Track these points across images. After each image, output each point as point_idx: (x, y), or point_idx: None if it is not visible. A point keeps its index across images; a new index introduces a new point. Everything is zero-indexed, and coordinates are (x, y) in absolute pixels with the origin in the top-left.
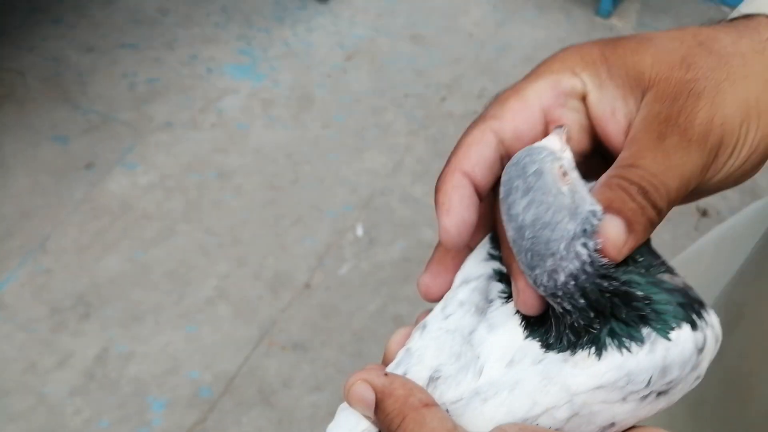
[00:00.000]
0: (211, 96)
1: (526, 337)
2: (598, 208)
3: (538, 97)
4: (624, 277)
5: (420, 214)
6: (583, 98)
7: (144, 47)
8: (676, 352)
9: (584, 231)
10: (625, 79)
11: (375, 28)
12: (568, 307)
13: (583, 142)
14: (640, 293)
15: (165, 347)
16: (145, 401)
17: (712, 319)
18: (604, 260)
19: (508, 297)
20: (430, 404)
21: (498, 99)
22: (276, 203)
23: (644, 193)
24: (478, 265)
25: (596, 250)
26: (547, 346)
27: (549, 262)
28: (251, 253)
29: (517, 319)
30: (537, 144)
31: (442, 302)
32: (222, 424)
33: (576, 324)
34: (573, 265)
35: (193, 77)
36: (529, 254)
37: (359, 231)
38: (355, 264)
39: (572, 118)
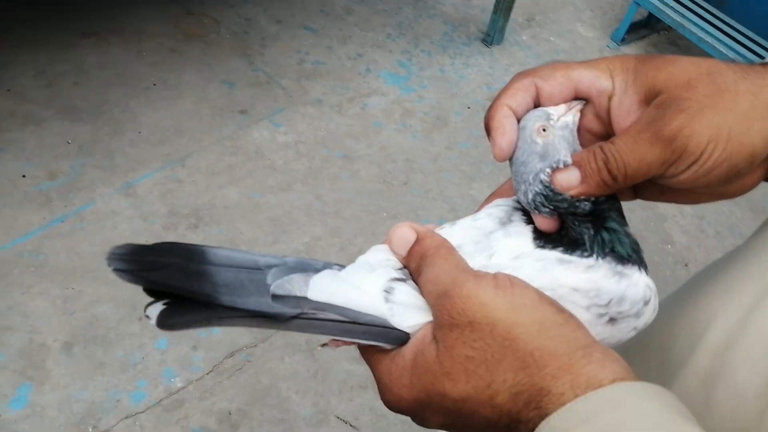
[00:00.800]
0: (362, 91)
1: (536, 247)
2: (569, 159)
3: (579, 80)
4: (596, 206)
5: None
6: (610, 98)
7: (322, 34)
8: (633, 290)
9: (549, 167)
10: (643, 89)
11: None
12: (561, 211)
13: (594, 123)
14: (611, 223)
15: None
16: None
17: (655, 289)
18: (556, 188)
19: (527, 221)
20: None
21: (551, 65)
22: (382, 195)
23: (606, 161)
24: (507, 200)
25: (549, 180)
26: (552, 248)
27: (523, 187)
28: (346, 227)
29: (530, 235)
30: (540, 108)
31: (473, 215)
32: (267, 355)
33: (573, 232)
34: (537, 188)
35: (352, 71)
36: (514, 180)
37: None
38: None
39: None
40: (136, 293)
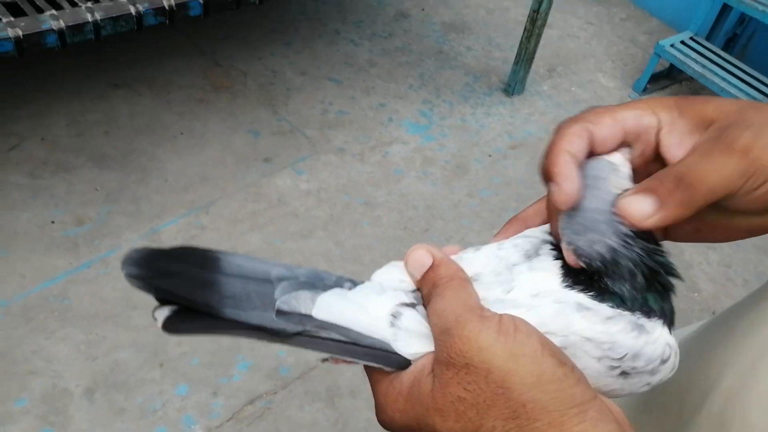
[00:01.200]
0: (384, 140)
1: (562, 286)
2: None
3: (624, 121)
4: (661, 258)
5: None
6: (658, 132)
7: (346, 85)
8: (651, 348)
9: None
10: (692, 119)
11: (546, 129)
12: (600, 266)
13: (636, 161)
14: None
15: None
16: (234, 357)
17: (676, 347)
18: (629, 228)
19: (556, 256)
20: (471, 282)
21: (594, 111)
22: (402, 242)
23: (678, 179)
24: (536, 230)
25: (622, 220)
26: (579, 290)
27: (590, 235)
28: (365, 274)
29: (557, 271)
30: (605, 157)
31: (499, 242)
32: (287, 403)
33: (602, 284)
34: (612, 242)
35: (375, 121)
36: (576, 226)
37: None
38: None
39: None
40: (158, 339)
